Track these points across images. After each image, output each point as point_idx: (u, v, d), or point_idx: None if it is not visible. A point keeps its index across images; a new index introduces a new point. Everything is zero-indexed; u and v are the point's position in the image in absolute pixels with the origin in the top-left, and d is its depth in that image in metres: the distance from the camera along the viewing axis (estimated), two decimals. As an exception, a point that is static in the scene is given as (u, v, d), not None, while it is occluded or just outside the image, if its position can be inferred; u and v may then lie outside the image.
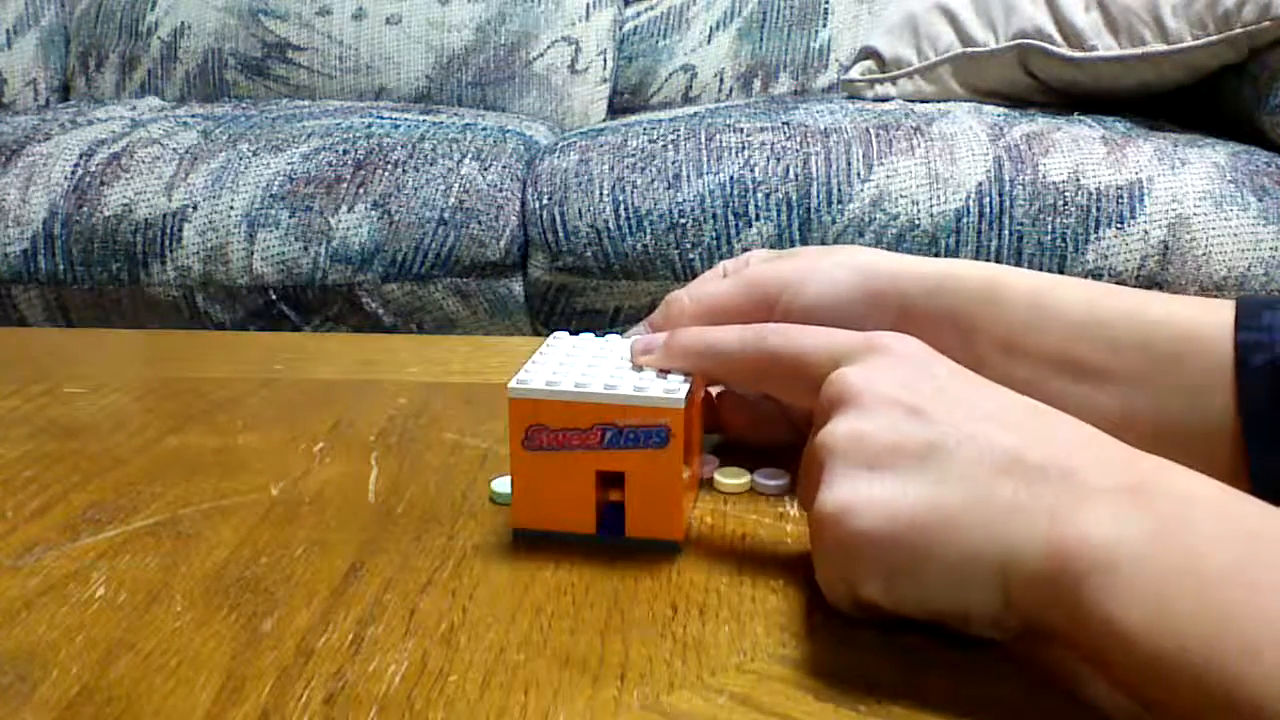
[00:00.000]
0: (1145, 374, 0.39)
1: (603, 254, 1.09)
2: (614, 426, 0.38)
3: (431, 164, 1.15)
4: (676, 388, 0.39)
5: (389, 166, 1.15)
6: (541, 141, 1.28)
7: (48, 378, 0.60)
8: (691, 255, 1.08)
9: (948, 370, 0.36)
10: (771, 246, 1.06)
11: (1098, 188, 1.04)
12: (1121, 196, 1.04)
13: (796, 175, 1.08)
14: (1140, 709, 0.29)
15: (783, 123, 1.15)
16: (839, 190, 1.07)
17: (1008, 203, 1.05)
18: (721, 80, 1.59)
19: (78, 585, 0.38)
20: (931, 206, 1.06)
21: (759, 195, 1.08)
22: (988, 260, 1.04)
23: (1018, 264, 1.04)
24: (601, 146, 1.15)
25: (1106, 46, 1.18)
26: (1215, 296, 0.57)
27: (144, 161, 1.18)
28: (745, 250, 1.04)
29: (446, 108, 1.50)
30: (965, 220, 1.05)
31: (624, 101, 1.63)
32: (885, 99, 1.32)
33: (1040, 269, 0.89)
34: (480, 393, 0.57)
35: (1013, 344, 0.42)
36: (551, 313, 1.13)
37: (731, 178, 1.09)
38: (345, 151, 1.17)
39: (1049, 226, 1.04)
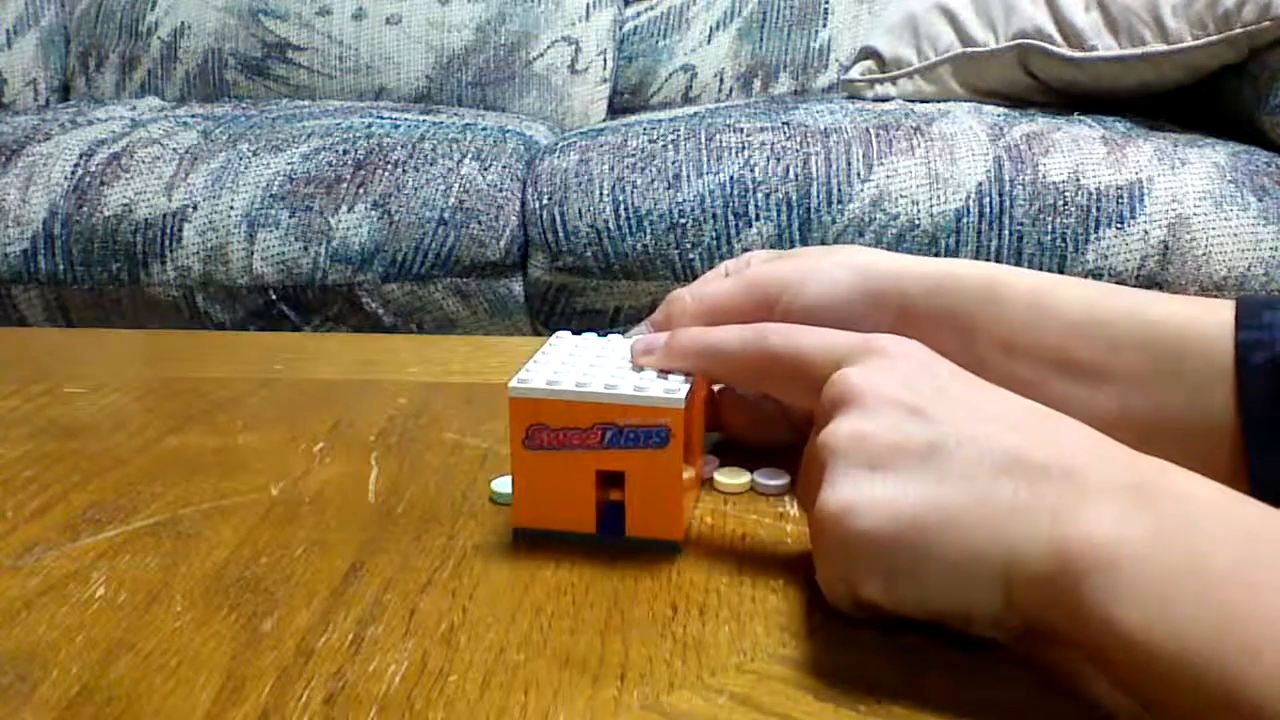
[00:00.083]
0: (1145, 374, 0.39)
1: (603, 254, 1.09)
2: (614, 426, 0.38)
3: (431, 164, 1.15)
4: (677, 388, 0.39)
5: (389, 166, 1.15)
6: (541, 141, 1.28)
7: (48, 378, 0.60)
8: (691, 255, 1.08)
9: (949, 371, 0.36)
10: (771, 246, 1.06)
11: (1098, 188, 1.04)
12: (1121, 196, 1.04)
13: (796, 175, 1.08)
14: (1141, 709, 0.29)
15: (783, 123, 1.15)
16: (839, 190, 1.07)
17: (1008, 203, 1.05)
18: (721, 80, 1.59)
19: (78, 585, 0.38)
20: (931, 206, 1.06)
21: (759, 195, 1.08)
22: (988, 260, 1.04)
23: (1018, 264, 1.04)
24: (601, 146, 1.15)
25: (1106, 46, 1.18)
26: (1215, 296, 0.57)
27: (144, 161, 1.18)
28: (745, 250, 1.04)
29: (446, 108, 1.50)
30: (965, 220, 1.05)
31: (624, 101, 1.63)
32: (885, 99, 1.32)
33: (1040, 269, 0.89)
34: (480, 393, 0.57)
35: (1013, 344, 0.42)
36: (551, 313, 1.13)
37: (731, 178, 1.09)
38: (345, 151, 1.17)
39: (1049, 226, 1.04)
